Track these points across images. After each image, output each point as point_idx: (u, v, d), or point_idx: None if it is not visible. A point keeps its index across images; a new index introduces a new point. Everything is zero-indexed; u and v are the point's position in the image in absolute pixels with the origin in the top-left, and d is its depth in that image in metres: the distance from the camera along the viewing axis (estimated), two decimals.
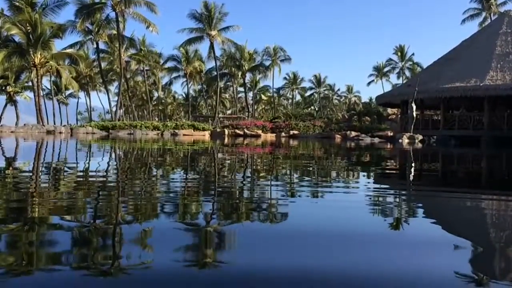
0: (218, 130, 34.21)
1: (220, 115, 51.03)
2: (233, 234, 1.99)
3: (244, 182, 4.02)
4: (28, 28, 35.34)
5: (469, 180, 5.12)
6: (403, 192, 3.69)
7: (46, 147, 10.89)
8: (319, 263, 1.54)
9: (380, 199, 3.18)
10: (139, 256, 1.57)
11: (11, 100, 48.08)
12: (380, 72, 69.11)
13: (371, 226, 2.23)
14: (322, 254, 1.65)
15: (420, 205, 3.01)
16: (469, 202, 3.20)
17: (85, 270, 1.43)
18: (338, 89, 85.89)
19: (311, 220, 2.35)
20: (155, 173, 4.72)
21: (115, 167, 5.60)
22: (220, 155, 8.89)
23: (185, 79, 58.51)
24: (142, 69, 56.90)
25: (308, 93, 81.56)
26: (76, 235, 1.87)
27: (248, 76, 58.15)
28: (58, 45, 41.24)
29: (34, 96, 38.24)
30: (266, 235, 1.96)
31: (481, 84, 23.31)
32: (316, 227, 2.16)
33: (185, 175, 4.60)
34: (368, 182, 4.36)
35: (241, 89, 64.36)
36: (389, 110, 44.93)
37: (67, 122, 61.00)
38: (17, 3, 36.60)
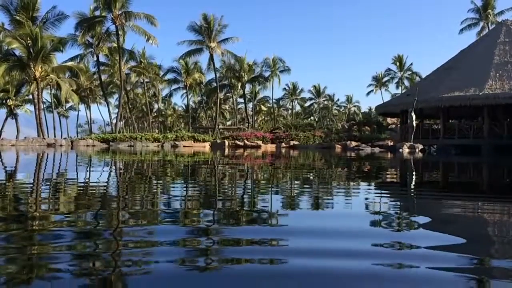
0: (218, 141, 34.25)
1: (220, 126, 51.13)
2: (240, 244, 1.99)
3: (248, 195, 4.02)
4: (28, 42, 35.57)
5: (482, 190, 5.11)
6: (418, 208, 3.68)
7: (47, 160, 10.89)
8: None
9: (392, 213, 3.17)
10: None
11: (11, 114, 48.25)
12: (379, 82, 69.37)
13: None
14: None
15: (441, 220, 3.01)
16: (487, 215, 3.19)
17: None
18: (338, 99, 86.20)
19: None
20: (161, 187, 4.72)
21: (119, 180, 5.60)
22: (221, 166, 8.89)
23: (185, 91, 58.71)
24: (142, 81, 57.14)
25: (308, 103, 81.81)
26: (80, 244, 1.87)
27: (248, 87, 58.38)
28: (58, 58, 41.47)
29: (35, 109, 38.33)
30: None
31: (480, 93, 23.39)
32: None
33: (191, 187, 4.60)
34: (376, 194, 4.35)
35: (241, 100, 64.56)
36: (389, 120, 44.99)
37: (68, 135, 61.13)
38: (18, 17, 36.88)
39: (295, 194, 4.02)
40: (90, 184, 4.78)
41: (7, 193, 3.86)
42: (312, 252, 1.84)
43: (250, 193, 4.06)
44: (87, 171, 7.11)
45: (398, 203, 3.62)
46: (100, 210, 2.89)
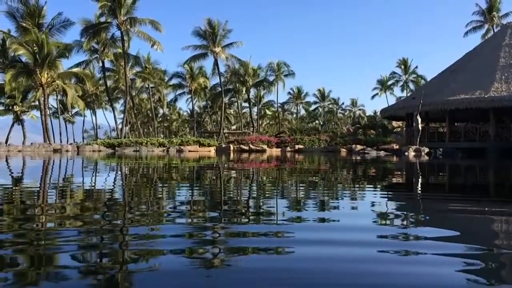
0: (224, 145, 34.27)
1: (225, 130, 51.18)
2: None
3: (259, 196, 4.02)
4: (35, 48, 35.82)
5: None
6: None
7: (53, 165, 10.95)
8: None
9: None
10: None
11: (18, 120, 48.48)
12: (384, 85, 69.20)
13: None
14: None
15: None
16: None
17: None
18: (343, 103, 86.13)
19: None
20: (171, 194, 4.73)
21: (134, 183, 5.62)
22: (231, 171, 8.90)
23: (190, 96, 58.88)
24: (147, 86, 57.34)
25: (313, 107, 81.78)
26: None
27: (253, 91, 58.42)
28: (64, 64, 41.76)
29: (41, 115, 38.57)
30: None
31: (486, 96, 23.30)
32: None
33: (207, 189, 4.61)
34: (383, 195, 4.35)
35: (246, 104, 64.61)
36: (394, 123, 44.92)
37: (74, 140, 61.37)
38: (24, 24, 37.21)
39: (304, 196, 4.03)
40: (106, 187, 4.80)
41: (23, 195, 3.90)
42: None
43: (260, 195, 4.07)
44: (94, 175, 7.15)
45: (407, 205, 3.61)
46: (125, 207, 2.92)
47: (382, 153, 26.79)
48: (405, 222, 2.72)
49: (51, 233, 2.36)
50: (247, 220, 2.75)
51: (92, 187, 5.05)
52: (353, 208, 3.34)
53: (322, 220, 2.70)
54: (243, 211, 3.12)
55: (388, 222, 2.70)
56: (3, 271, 1.59)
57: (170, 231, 2.29)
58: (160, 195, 4.23)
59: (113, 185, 5.42)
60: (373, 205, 3.43)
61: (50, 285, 1.49)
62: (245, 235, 2.24)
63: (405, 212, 3.14)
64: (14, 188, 4.91)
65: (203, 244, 2.04)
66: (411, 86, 63.91)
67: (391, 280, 1.53)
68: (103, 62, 44.80)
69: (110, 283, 1.50)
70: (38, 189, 4.90)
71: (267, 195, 4.22)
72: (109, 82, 49.54)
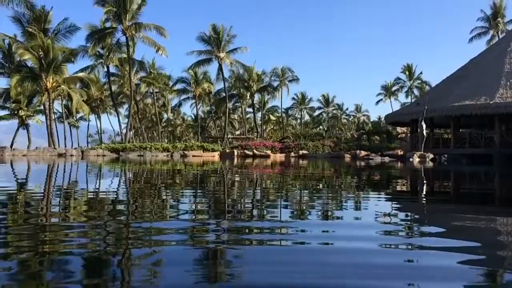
0: (228, 151, 34.28)
1: (229, 136, 51.18)
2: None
3: (268, 199, 4.01)
4: (40, 53, 36.05)
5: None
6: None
7: (57, 169, 10.98)
8: None
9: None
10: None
11: (23, 124, 48.71)
12: (388, 91, 69.10)
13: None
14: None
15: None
16: None
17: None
18: (347, 109, 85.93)
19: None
20: (179, 198, 4.73)
21: (143, 190, 5.63)
22: (231, 175, 8.89)
23: (194, 101, 58.98)
24: (151, 91, 57.52)
25: (317, 112, 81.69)
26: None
27: (257, 96, 58.50)
28: (70, 69, 41.91)
29: (46, 119, 38.73)
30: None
31: (491, 102, 23.21)
32: None
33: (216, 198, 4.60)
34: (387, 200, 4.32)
35: (250, 109, 64.63)
36: (399, 129, 44.84)
37: (78, 145, 61.52)
38: (30, 29, 37.44)
39: (308, 198, 4.01)
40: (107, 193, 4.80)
41: (30, 197, 3.92)
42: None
43: (265, 196, 4.08)
44: (98, 179, 7.17)
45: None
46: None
47: (386, 159, 26.70)
48: (408, 221, 2.86)
49: (61, 227, 2.40)
50: (254, 217, 2.94)
51: (106, 190, 5.06)
52: (356, 208, 3.42)
53: (326, 217, 2.89)
54: (250, 209, 3.31)
55: (391, 220, 2.80)
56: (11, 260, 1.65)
57: (175, 225, 2.45)
58: (169, 197, 4.24)
59: (123, 188, 5.43)
60: (376, 206, 3.52)
61: (52, 275, 1.53)
62: (251, 231, 2.36)
63: (408, 213, 3.27)
64: (20, 190, 4.93)
65: (210, 237, 2.16)
66: (416, 92, 63.76)
67: (394, 271, 1.58)
68: (108, 67, 45.00)
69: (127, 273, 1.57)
70: (46, 192, 4.91)
71: (272, 197, 4.27)
72: (114, 87, 49.74)
